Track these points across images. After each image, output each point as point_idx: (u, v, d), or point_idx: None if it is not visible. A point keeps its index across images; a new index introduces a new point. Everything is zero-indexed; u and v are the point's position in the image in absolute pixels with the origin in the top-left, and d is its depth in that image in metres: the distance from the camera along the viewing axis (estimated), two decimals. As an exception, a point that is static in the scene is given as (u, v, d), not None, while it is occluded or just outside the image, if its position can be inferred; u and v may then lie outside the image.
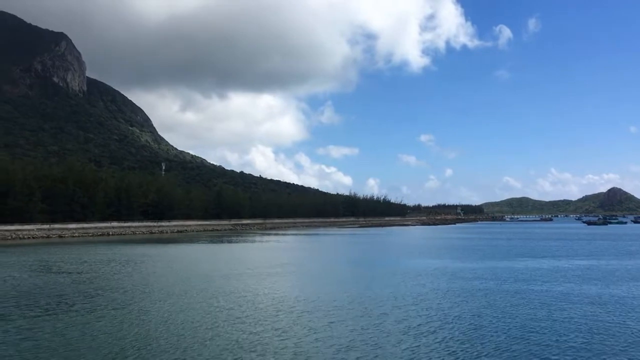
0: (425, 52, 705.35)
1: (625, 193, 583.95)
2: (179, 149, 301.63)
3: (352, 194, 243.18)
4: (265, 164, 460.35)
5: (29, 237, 78.09)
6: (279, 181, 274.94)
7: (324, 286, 30.93)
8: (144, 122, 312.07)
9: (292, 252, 60.40)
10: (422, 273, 36.47)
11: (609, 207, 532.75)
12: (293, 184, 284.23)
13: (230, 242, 77.80)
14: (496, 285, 30.58)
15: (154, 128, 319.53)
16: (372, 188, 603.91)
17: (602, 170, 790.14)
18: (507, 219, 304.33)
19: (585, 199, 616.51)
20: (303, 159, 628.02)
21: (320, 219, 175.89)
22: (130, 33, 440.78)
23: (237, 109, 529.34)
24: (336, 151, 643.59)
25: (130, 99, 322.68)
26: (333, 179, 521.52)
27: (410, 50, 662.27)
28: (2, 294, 27.41)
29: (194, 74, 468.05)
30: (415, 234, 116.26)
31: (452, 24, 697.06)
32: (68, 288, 29.55)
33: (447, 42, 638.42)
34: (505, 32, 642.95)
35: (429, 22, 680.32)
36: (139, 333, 18.84)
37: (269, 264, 43.96)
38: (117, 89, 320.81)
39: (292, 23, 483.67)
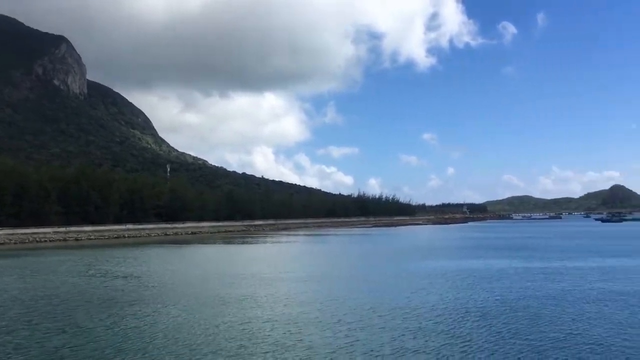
0: (430, 51, 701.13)
1: (628, 190, 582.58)
2: (180, 150, 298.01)
3: (361, 194, 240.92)
4: (265, 165, 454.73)
5: (45, 241, 74.82)
6: (281, 182, 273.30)
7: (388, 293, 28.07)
8: (145, 124, 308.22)
9: (317, 253, 57.62)
10: (495, 275, 33.83)
11: (611, 204, 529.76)
12: (295, 184, 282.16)
13: (249, 243, 75.05)
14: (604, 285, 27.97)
15: (155, 130, 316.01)
16: (373, 188, 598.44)
17: (603, 168, 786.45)
18: (517, 217, 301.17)
19: (588, 196, 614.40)
20: (303, 159, 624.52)
21: (331, 219, 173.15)
22: (130, 35, 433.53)
23: (240, 109, 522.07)
24: (336, 151, 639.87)
25: (130, 101, 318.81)
26: (334, 179, 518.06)
27: (416, 50, 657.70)
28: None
29: (196, 75, 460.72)
30: (435, 233, 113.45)
31: (455, 23, 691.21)
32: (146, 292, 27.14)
33: (451, 41, 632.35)
34: (510, 29, 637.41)
35: (433, 21, 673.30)
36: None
37: (297, 267, 41.34)
38: (118, 91, 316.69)
39: (297, 23, 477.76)
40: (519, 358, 14.77)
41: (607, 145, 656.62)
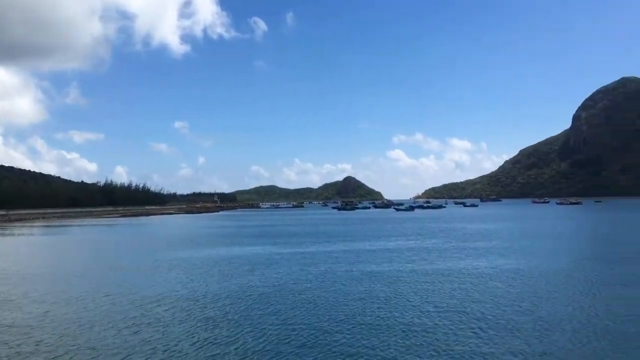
0: (184, 38, 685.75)
1: (357, 181, 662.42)
2: None
3: (108, 182, 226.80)
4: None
5: None
6: (11, 167, 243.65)
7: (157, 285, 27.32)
8: None
9: (66, 246, 52.62)
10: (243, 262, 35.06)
11: (344, 194, 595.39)
12: (29, 170, 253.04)
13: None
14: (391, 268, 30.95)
15: None
16: (120, 176, 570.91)
17: (337, 161, 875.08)
18: (265, 206, 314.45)
19: (325, 186, 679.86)
20: (39, 143, 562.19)
21: (74, 209, 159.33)
22: None
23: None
24: (79, 136, 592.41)
25: None
26: (75, 166, 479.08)
27: (170, 36, 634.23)
28: None
29: None
30: (189, 222, 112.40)
31: (208, 13, 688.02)
32: None
33: (205, 31, 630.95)
34: (261, 25, 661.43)
35: (186, 8, 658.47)
36: None
37: (46, 262, 37.93)
38: None
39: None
40: (310, 341, 15.39)
41: (342, 141, 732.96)
